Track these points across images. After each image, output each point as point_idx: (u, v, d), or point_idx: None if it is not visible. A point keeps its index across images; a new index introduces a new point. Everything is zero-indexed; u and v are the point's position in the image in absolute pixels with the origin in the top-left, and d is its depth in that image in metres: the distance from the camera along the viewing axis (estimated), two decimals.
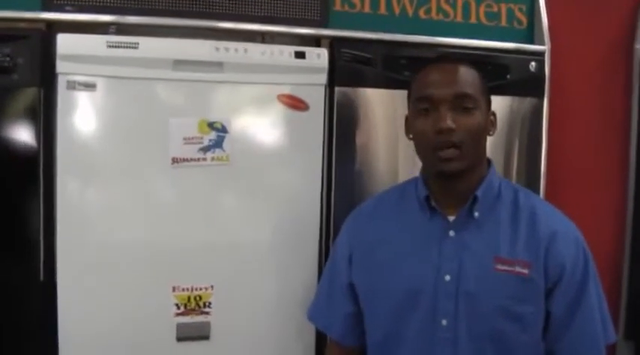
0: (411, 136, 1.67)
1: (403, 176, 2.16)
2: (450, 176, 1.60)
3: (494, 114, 1.67)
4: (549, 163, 2.44)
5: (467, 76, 1.61)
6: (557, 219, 1.65)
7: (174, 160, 1.93)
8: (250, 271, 2.04)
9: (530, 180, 2.40)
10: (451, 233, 1.62)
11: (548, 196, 2.34)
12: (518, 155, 2.40)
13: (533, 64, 2.42)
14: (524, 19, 2.50)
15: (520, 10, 2.49)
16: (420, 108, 1.60)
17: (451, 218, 1.63)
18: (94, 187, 1.91)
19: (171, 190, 1.95)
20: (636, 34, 2.57)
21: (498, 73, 2.32)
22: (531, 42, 2.49)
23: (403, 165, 2.22)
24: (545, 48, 2.45)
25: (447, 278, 1.59)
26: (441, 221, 1.64)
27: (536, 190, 2.36)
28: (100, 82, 1.86)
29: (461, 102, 1.57)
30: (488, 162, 1.70)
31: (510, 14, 2.47)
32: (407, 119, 1.70)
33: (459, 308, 1.58)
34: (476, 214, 1.61)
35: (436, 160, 1.58)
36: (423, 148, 1.61)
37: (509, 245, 1.59)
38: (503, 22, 2.46)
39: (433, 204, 1.64)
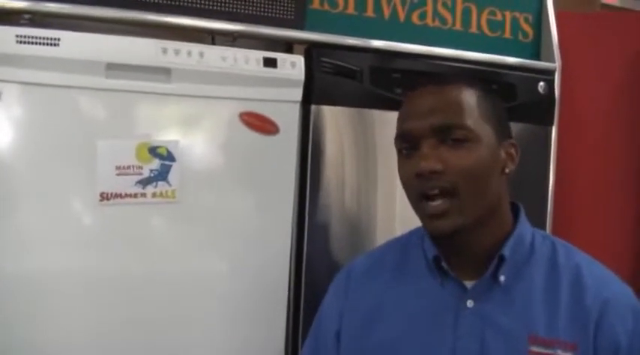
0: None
1: (392, 220, 1.92)
2: (448, 237, 1.26)
3: (514, 145, 1.33)
4: (557, 200, 2.21)
5: (456, 99, 1.27)
6: (607, 282, 1.31)
7: (104, 196, 1.57)
8: (203, 343, 1.70)
9: (536, 219, 2.04)
10: (469, 303, 1.28)
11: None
12: (521, 191, 2.03)
13: (542, 84, 2.17)
14: (530, 31, 2.24)
15: (526, 20, 2.23)
16: (402, 147, 1.29)
17: (468, 283, 1.29)
18: None
19: (97, 236, 1.58)
20: None
21: (505, 94, 2.03)
22: (537, 58, 2.23)
23: (389, 203, 1.93)
24: (555, 65, 2.21)
25: None
26: (456, 287, 1.30)
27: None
28: (6, 90, 1.51)
29: (448, 134, 1.24)
30: (515, 207, 1.36)
31: (515, 24, 2.20)
32: None
33: None
34: (502, 278, 1.28)
35: (424, 217, 1.26)
36: (410, 199, 1.29)
37: (548, 320, 1.26)
38: (507, 34, 2.19)
39: (444, 265, 1.30)
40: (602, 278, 1.30)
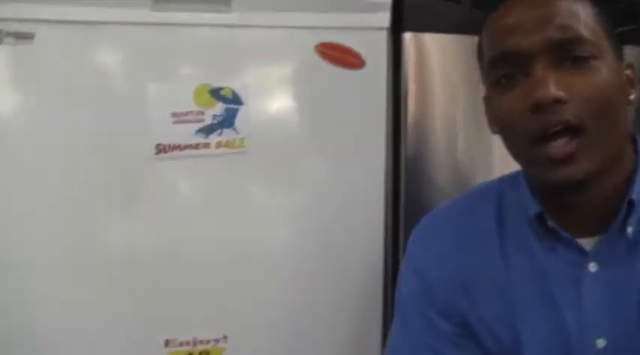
0: (496, 130, 1.06)
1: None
2: (575, 187, 0.98)
3: (630, 65, 1.05)
4: None
5: (571, 6, 0.99)
6: None
7: (160, 148, 1.40)
8: (282, 311, 1.51)
9: None
10: (592, 267, 1.01)
11: None
12: None
13: None
14: None
15: None
16: (500, 75, 1.01)
17: (585, 242, 1.02)
18: (33, 191, 1.38)
19: (156, 193, 1.43)
20: None
21: (627, 14, 1.69)
22: None
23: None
24: None
25: (601, 344, 1.02)
26: (571, 250, 1.03)
27: None
28: (40, 31, 1.35)
29: (569, 51, 0.96)
30: (633, 139, 1.08)
31: None
32: (485, 102, 1.08)
33: None
34: (629, 230, 1.00)
35: (543, 164, 0.97)
36: (516, 144, 1.02)
37: None
38: None
39: (550, 224, 1.03)
40: None
